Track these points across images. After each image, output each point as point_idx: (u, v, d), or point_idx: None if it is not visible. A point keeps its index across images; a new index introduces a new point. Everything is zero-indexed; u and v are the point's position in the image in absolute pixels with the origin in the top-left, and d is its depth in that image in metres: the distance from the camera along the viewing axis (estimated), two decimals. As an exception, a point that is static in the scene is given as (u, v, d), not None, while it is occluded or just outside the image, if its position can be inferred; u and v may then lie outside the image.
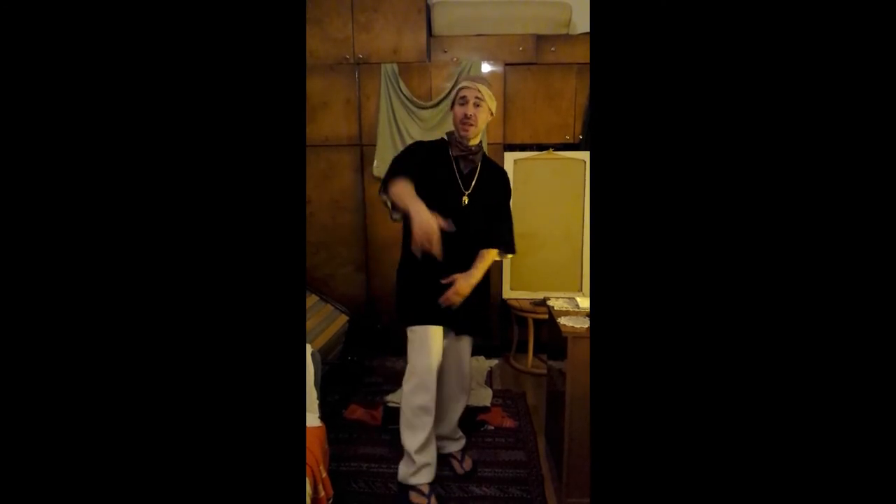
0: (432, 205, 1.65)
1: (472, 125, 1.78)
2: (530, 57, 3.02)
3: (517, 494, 2.00)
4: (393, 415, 2.50)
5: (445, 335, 1.91)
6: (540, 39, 3.02)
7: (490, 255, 1.89)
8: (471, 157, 1.84)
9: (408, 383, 1.88)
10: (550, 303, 2.14)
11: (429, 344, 1.84)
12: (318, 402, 1.86)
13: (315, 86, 3.04)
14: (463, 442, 2.17)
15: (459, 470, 2.10)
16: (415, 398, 1.86)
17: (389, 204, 1.81)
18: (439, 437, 2.06)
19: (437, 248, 1.59)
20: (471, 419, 2.49)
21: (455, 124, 1.82)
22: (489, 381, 2.86)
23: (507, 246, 1.94)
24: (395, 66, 2.99)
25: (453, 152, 1.84)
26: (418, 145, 1.89)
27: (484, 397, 2.70)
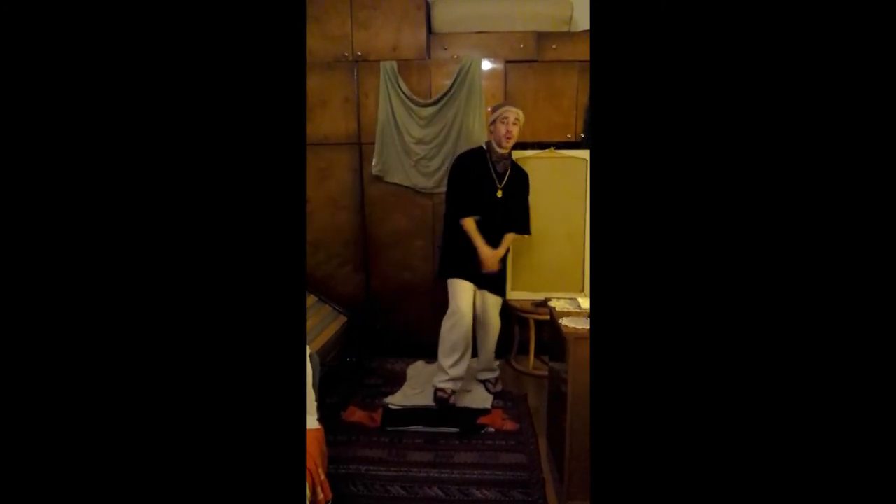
0: (477, 197, 2.53)
1: (511, 139, 2.47)
2: (531, 54, 3.00)
3: (518, 497, 1.98)
4: (392, 416, 2.48)
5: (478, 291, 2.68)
6: (541, 37, 2.99)
7: (510, 237, 2.65)
8: (504, 160, 2.55)
9: (448, 321, 2.62)
10: (552, 303, 2.12)
11: (462, 291, 2.60)
12: (316, 403, 1.85)
13: (314, 84, 3.01)
14: (498, 373, 2.87)
15: (491, 390, 2.79)
16: (452, 334, 2.59)
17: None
18: (479, 371, 2.83)
19: (495, 268, 2.59)
20: (471, 422, 2.47)
21: (497, 138, 2.49)
22: (489, 388, 2.83)
23: (524, 228, 2.67)
24: (395, 64, 2.96)
25: (492, 157, 2.54)
26: (465, 157, 2.61)
27: (484, 399, 2.69)
